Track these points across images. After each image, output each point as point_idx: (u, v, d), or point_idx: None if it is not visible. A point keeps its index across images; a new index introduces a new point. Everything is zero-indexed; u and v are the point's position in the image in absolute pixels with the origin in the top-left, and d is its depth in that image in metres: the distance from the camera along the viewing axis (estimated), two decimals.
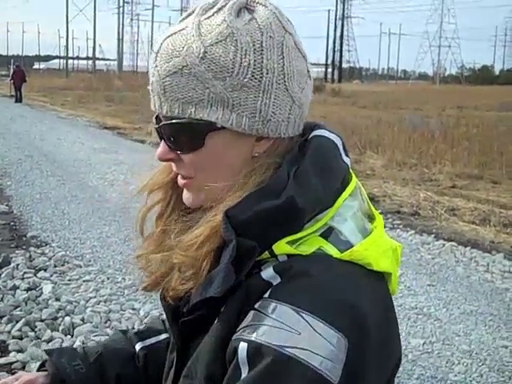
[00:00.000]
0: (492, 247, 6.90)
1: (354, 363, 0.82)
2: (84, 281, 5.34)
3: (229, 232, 0.87)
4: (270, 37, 0.90)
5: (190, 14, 0.95)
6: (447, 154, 12.62)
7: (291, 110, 0.93)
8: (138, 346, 1.27)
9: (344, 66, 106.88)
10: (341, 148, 1.00)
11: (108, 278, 5.43)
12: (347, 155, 1.01)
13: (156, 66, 0.93)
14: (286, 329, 0.81)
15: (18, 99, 28.29)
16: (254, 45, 0.89)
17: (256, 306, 0.85)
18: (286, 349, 0.80)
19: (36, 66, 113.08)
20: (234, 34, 0.89)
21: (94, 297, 5.00)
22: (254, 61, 0.89)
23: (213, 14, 0.92)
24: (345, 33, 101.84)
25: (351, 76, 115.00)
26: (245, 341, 0.82)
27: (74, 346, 1.34)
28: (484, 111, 26.30)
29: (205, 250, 0.89)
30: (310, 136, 0.98)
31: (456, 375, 3.96)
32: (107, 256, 6.03)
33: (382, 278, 0.96)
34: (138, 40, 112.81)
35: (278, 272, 0.86)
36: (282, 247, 0.88)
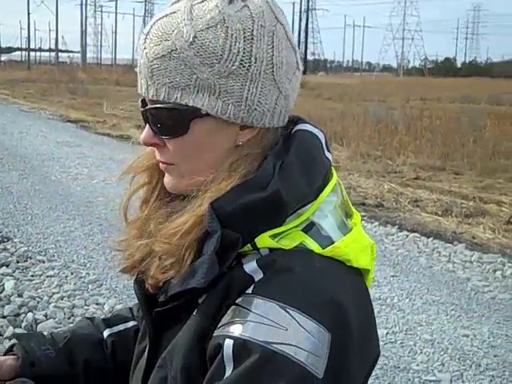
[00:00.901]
0: (454, 238, 7.02)
1: (337, 357, 0.83)
2: (47, 276, 5.29)
3: (214, 223, 0.87)
4: (261, 25, 0.90)
5: None
6: (411, 145, 12.75)
7: (277, 101, 0.94)
8: (105, 333, 1.26)
9: (309, 58, 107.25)
10: (323, 143, 1.00)
11: (72, 273, 5.38)
12: (329, 151, 1.01)
13: (145, 49, 0.93)
14: (273, 325, 0.81)
15: None
16: (244, 32, 0.89)
17: (239, 301, 0.85)
18: (273, 345, 0.80)
19: None
20: (225, 21, 0.89)
21: (58, 292, 4.95)
22: (244, 49, 0.89)
23: None
24: (309, 25, 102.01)
25: (316, 68, 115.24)
26: (230, 337, 0.82)
27: (43, 332, 1.32)
28: (447, 103, 26.63)
29: (189, 239, 0.89)
30: (294, 130, 0.98)
31: (418, 364, 4.02)
32: (71, 251, 5.97)
33: (360, 274, 0.97)
34: (101, 32, 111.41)
35: (261, 266, 0.87)
36: (264, 240, 0.88)
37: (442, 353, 4.18)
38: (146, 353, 1.03)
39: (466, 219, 7.87)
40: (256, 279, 0.86)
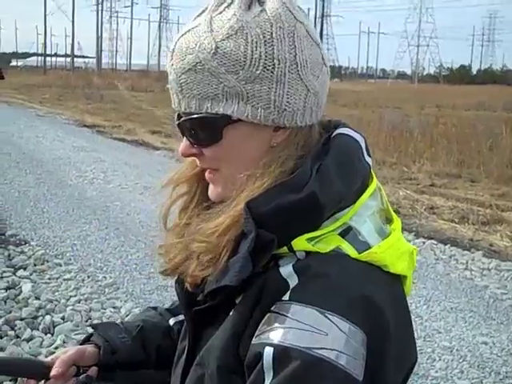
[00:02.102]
0: (471, 245, 6.97)
1: (373, 358, 0.83)
2: (64, 279, 5.31)
3: (249, 223, 0.87)
4: (280, 27, 0.91)
5: (203, 11, 0.96)
6: (426, 152, 12.71)
7: (306, 99, 0.94)
8: (171, 321, 1.30)
9: None
10: (363, 148, 1.01)
11: (88, 277, 5.40)
12: (369, 155, 1.01)
13: (172, 65, 0.96)
14: (313, 330, 0.81)
15: None
16: (264, 36, 0.91)
17: (276, 309, 0.85)
18: (315, 350, 0.80)
19: (13, 63, 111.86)
20: (243, 28, 0.91)
21: (75, 295, 4.97)
22: (266, 52, 0.90)
23: (224, 9, 0.94)
24: (324, 31, 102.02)
25: (331, 75, 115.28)
26: (270, 345, 0.82)
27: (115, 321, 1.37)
28: (462, 110, 26.51)
29: (226, 239, 0.90)
30: (334, 133, 0.99)
31: (437, 371, 3.99)
32: (87, 254, 5.99)
33: (398, 280, 0.97)
34: (117, 37, 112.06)
35: (297, 271, 0.87)
36: (301, 244, 0.88)
37: (460, 360, 4.15)
38: (185, 350, 1.05)
39: (483, 227, 7.82)
40: (291, 285, 0.86)
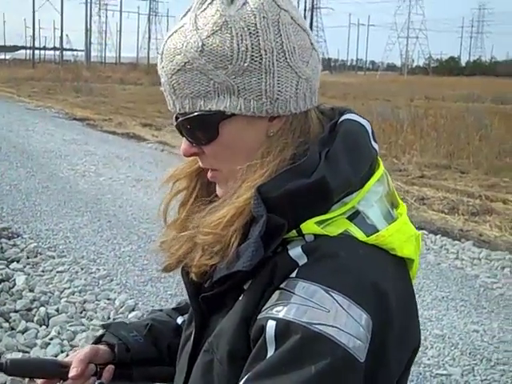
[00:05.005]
0: (461, 235, 7.03)
1: (377, 342, 0.84)
2: (58, 272, 5.32)
3: (260, 208, 0.88)
4: (264, 17, 0.92)
5: (188, 10, 0.97)
6: (416, 144, 12.75)
7: (298, 86, 0.95)
8: (179, 320, 1.31)
9: None
10: (370, 133, 1.02)
11: (82, 269, 5.41)
12: (375, 141, 1.02)
13: (163, 67, 0.97)
14: (315, 306, 0.82)
15: None
16: (248, 29, 0.91)
17: (282, 285, 0.87)
18: (316, 325, 0.81)
19: (1, 56, 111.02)
20: (227, 22, 0.92)
21: (69, 287, 4.99)
22: (252, 44, 0.91)
23: (207, 6, 0.95)
24: (314, 23, 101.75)
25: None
26: (273, 319, 0.83)
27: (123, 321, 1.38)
28: (451, 102, 26.59)
29: (232, 229, 0.91)
30: (341, 119, 0.99)
31: (429, 359, 4.04)
32: (80, 247, 6.00)
33: (404, 263, 0.98)
34: (106, 30, 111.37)
35: (306, 252, 0.88)
36: (310, 227, 0.89)
37: (452, 348, 4.20)
38: (191, 338, 1.06)
39: (473, 217, 7.88)
40: (300, 264, 0.87)
